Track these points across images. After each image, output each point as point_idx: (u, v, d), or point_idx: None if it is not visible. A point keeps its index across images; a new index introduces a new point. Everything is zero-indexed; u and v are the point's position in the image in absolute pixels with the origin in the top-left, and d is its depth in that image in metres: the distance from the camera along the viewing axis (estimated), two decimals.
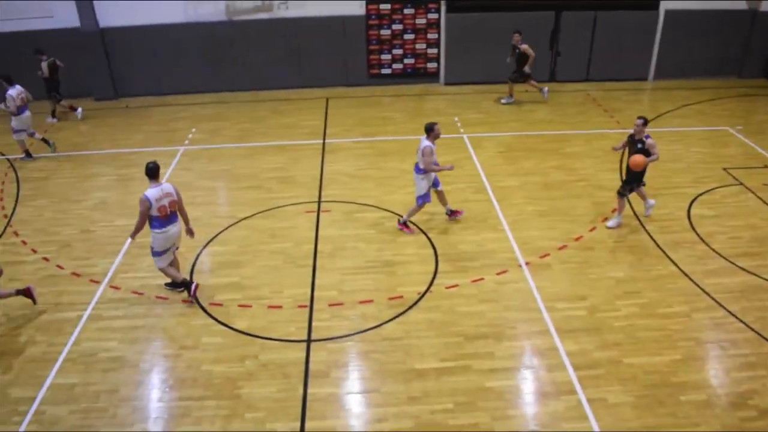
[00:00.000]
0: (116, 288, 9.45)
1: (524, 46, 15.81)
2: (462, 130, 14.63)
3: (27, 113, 13.98)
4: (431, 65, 18.07)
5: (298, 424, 6.90)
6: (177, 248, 9.16)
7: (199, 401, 7.29)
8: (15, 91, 13.71)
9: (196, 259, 10.04)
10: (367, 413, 7.08)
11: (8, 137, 15.55)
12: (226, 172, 13.06)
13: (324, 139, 14.40)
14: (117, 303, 9.10)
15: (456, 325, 8.31)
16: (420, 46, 17.80)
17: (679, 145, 13.77)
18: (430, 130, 10.02)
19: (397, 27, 17.54)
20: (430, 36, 17.68)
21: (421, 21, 17.49)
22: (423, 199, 10.36)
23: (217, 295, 9.10)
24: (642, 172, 10.14)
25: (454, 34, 17.39)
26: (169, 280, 9.27)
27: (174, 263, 9.16)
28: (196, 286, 9.04)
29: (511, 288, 9.05)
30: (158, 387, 7.63)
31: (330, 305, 8.76)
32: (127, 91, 17.90)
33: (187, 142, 14.55)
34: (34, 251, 10.60)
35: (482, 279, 9.23)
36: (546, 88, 16.70)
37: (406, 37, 17.68)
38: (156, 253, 8.84)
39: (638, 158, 9.91)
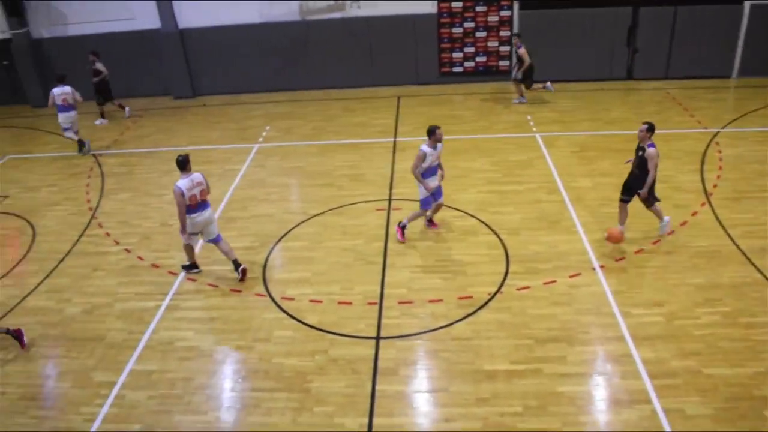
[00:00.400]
0: (193, 280, 9.77)
1: (521, 50, 15.63)
2: (535, 129, 14.40)
3: (71, 113, 14.73)
4: (503, 63, 17.86)
5: (366, 420, 6.96)
6: (219, 238, 9.61)
7: (270, 393, 7.46)
8: (58, 90, 14.49)
9: (269, 254, 10.26)
10: (434, 412, 7.07)
11: (95, 134, 16.36)
12: (299, 169, 13.30)
13: (395, 137, 14.45)
14: (193, 294, 9.42)
15: (527, 327, 8.19)
16: (492, 43, 17.63)
17: (765, 146, 13.13)
18: (431, 134, 9.72)
19: (468, 25, 17.43)
20: (502, 33, 17.48)
21: (493, 18, 17.32)
22: (423, 205, 10.14)
23: (288, 290, 9.27)
24: (641, 180, 9.39)
25: (527, 32, 17.12)
26: (187, 263, 9.88)
27: (224, 250, 9.65)
28: (243, 268, 9.56)
29: (584, 291, 8.85)
30: (231, 377, 7.85)
31: (399, 303, 8.79)
32: (205, 90, 18.47)
33: (261, 139, 14.89)
34: (117, 243, 11.08)
35: (554, 281, 9.06)
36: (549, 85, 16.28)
37: (478, 34, 17.54)
38: (187, 233, 9.43)
39: (614, 233, 9.63)
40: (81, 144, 15.11)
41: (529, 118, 15.15)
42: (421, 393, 7.35)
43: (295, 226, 10.99)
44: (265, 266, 9.94)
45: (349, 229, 10.77)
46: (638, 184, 9.48)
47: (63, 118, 14.70)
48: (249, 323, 8.68)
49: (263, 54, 17.75)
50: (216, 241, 9.61)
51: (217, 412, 7.30)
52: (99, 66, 16.69)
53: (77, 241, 11.32)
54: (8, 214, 12.67)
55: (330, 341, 8.20)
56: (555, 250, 9.81)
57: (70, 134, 14.94)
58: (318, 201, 11.82)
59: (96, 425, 7.29)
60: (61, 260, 10.77)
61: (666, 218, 9.95)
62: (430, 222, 10.70)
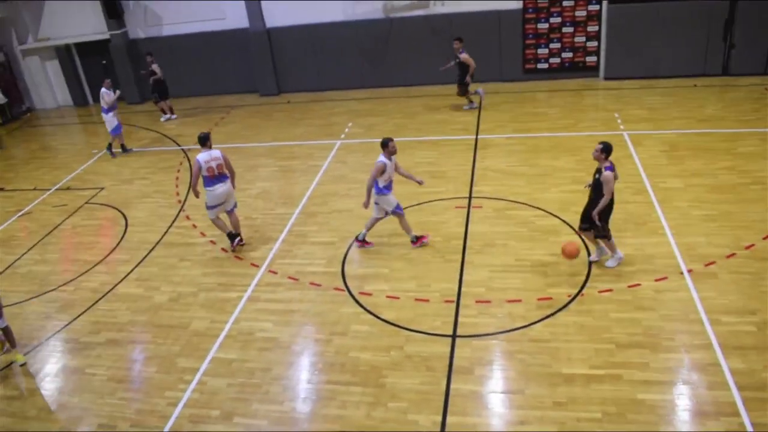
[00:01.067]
0: (274, 273, 10.00)
1: (464, 55, 15.18)
2: (622, 127, 13.91)
3: (110, 116, 15.63)
4: (590, 59, 17.35)
5: (439, 418, 6.92)
6: (235, 207, 10.63)
7: (346, 386, 7.54)
8: (105, 89, 15.49)
9: (348, 249, 10.36)
10: (509, 414, 6.95)
11: (182, 129, 17.04)
12: None
13: (476, 135, 14.30)
14: (274, 287, 9.64)
15: (608, 331, 7.92)
16: (579, 39, 17.15)
17: None
18: (384, 146, 9.55)
19: (555, 20, 17.02)
20: (590, 29, 16.97)
21: (580, 13, 16.85)
22: (398, 209, 9.95)
23: (366, 286, 9.35)
24: (607, 211, 8.65)
25: (616, 26, 16.55)
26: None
27: (232, 221, 10.63)
28: (239, 241, 10.56)
29: (670, 296, 8.47)
30: (308, 369, 7.99)
31: (477, 302, 8.70)
32: (289, 88, 18.87)
33: (343, 135, 15.07)
34: (203, 234, 11.48)
35: (638, 285, 8.72)
36: (474, 104, 16.08)
37: (565, 30, 17.11)
38: (208, 207, 10.41)
39: (568, 248, 8.71)
40: (123, 148, 16.31)
41: (616, 115, 14.64)
42: (496, 394, 7.24)
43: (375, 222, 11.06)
44: (344, 261, 10.05)
45: (428, 226, 10.73)
46: (601, 213, 8.66)
47: (110, 119, 15.75)
48: (327, 317, 8.80)
49: (346, 52, 17.95)
50: (230, 211, 10.63)
51: (294, 403, 7.44)
52: (155, 67, 17.56)
53: (166, 232, 11.81)
54: (104, 205, 13.38)
55: (406, 337, 8.20)
56: (640, 252, 9.43)
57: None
58: (398, 197, 11.76)
59: (178, 409, 7.59)
60: (151, 250, 11.27)
61: (618, 253, 9.10)
62: (418, 238, 10.23)
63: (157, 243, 11.48)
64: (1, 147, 18.11)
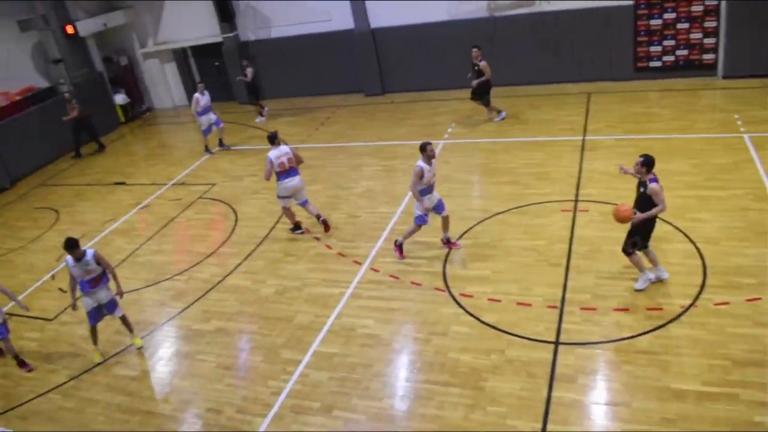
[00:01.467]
0: (376, 270, 10.13)
1: (483, 63, 14.86)
2: (743, 129, 13.06)
3: (203, 118, 16.56)
4: (707, 57, 16.41)
5: (539, 426, 6.79)
6: (306, 202, 11.50)
7: (444, 387, 7.53)
8: (198, 94, 16.46)
9: (450, 249, 10.34)
10: (612, 426, 6.70)
11: (290, 128, 17.55)
12: (483, 166, 13.25)
13: (584, 136, 13.88)
14: (375, 284, 9.77)
15: (723, 347, 7.46)
16: (695, 35, 16.25)
17: None
18: (422, 150, 9.53)
19: (669, 16, 16.21)
20: (707, 24, 16.05)
21: (697, 8, 15.95)
22: (417, 221, 9.90)
23: (467, 287, 9.29)
24: (649, 226, 8.22)
25: (736, 22, 15.55)
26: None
27: (311, 211, 11.57)
28: (303, 230, 11.63)
29: None
30: (407, 367, 8.05)
31: (582, 309, 8.44)
32: (393, 88, 19.02)
33: (446, 135, 15.04)
34: (308, 231, 11.79)
35: (759, 299, 8.16)
36: (504, 113, 15.60)
37: (680, 26, 16.26)
38: (280, 197, 11.37)
39: (622, 210, 8.11)
40: (208, 149, 17.20)
41: (736, 116, 13.77)
42: (599, 405, 7.01)
43: (477, 224, 10.97)
44: (445, 262, 10.03)
45: (531, 229, 10.54)
46: (641, 229, 8.23)
47: (203, 120, 16.65)
48: (427, 316, 8.83)
49: (450, 51, 17.86)
50: (304, 204, 11.51)
51: (392, 400, 7.52)
52: (249, 71, 18.37)
53: (273, 227, 12.22)
54: (215, 200, 14.02)
55: (507, 341, 8.09)
56: (762, 264, 8.83)
57: (208, 134, 16.97)
58: (501, 199, 11.70)
59: (281, 399, 7.85)
60: (259, 244, 11.70)
61: (647, 274, 8.58)
62: (448, 242, 10.36)
63: (265, 238, 11.90)
64: (101, 149, 19.29)
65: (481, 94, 15.44)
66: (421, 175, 9.49)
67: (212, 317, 9.85)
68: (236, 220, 12.85)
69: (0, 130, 17.96)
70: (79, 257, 8.65)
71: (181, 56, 21.87)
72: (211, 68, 21.69)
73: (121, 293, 9.16)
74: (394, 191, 12.68)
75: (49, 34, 20.22)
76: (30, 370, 9.50)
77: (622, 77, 17.04)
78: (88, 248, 8.86)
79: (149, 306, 10.56)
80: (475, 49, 15.12)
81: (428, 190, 9.79)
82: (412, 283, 9.63)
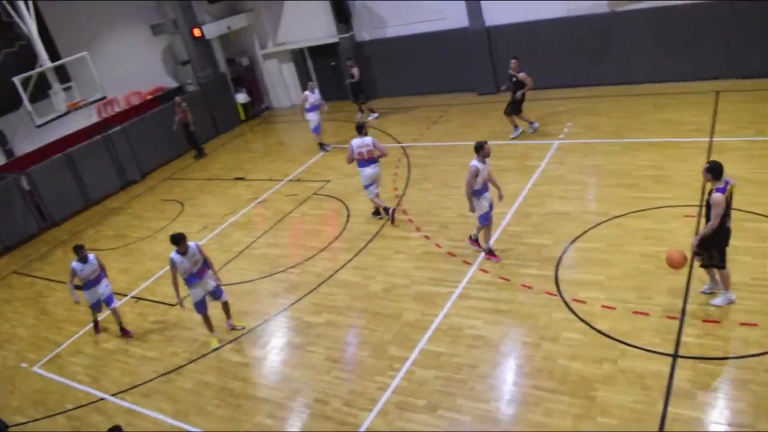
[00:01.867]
0: (485, 272, 10.01)
1: (522, 74, 14.54)
2: None
3: (312, 115, 17.06)
4: None
5: None
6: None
7: (553, 394, 7.33)
8: (308, 91, 17.04)
9: (563, 253, 10.03)
10: None
11: (401, 127, 17.67)
12: (600, 167, 12.75)
13: (711, 137, 13.04)
14: (485, 285, 9.65)
15: None
16: None
17: None
18: (479, 149, 9.65)
19: None
20: None
21: None
22: (483, 221, 10.03)
23: (580, 292, 8.98)
24: (720, 238, 7.67)
25: None
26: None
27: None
28: (392, 211, 12.22)
29: None
30: (515, 371, 7.91)
31: (704, 321, 7.94)
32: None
33: (561, 136, 14.61)
34: (418, 229, 11.84)
35: None
36: (536, 124, 15.28)
37: None
38: (364, 186, 12.27)
39: (674, 259, 7.91)
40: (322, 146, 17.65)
41: None
42: (720, 425, 6.55)
43: (593, 227, 10.58)
44: (558, 265, 9.76)
45: (652, 234, 10.01)
46: (719, 238, 7.70)
47: (312, 117, 17.13)
48: (537, 320, 8.62)
49: (566, 49, 17.32)
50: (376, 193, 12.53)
51: (498, 403, 7.41)
52: (355, 71, 18.73)
53: (384, 225, 12.36)
54: (329, 196, 14.36)
55: (620, 351, 7.75)
56: None
57: (318, 130, 17.45)
58: (618, 202, 11.21)
59: (387, 394, 7.93)
60: (369, 241, 11.87)
61: (730, 294, 8.03)
62: (476, 241, 10.55)
63: (375, 235, 12.06)
64: (202, 155, 20.14)
65: (515, 107, 15.12)
66: (476, 174, 9.61)
67: (323, 310, 10.10)
68: (348, 217, 13.11)
69: (133, 127, 19.27)
70: (185, 251, 9.21)
71: (298, 57, 22.56)
72: (327, 68, 22.24)
73: (219, 281, 9.75)
74: (506, 191, 12.38)
75: (178, 37, 21.52)
76: (130, 336, 10.73)
77: (757, 74, 15.85)
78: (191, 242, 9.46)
79: (264, 297, 10.98)
80: (513, 61, 14.92)
81: (484, 189, 9.91)
82: (523, 285, 9.44)
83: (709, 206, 7.59)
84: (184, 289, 9.56)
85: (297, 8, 21.47)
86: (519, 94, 14.77)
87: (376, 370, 8.44)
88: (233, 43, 23.21)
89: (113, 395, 9.40)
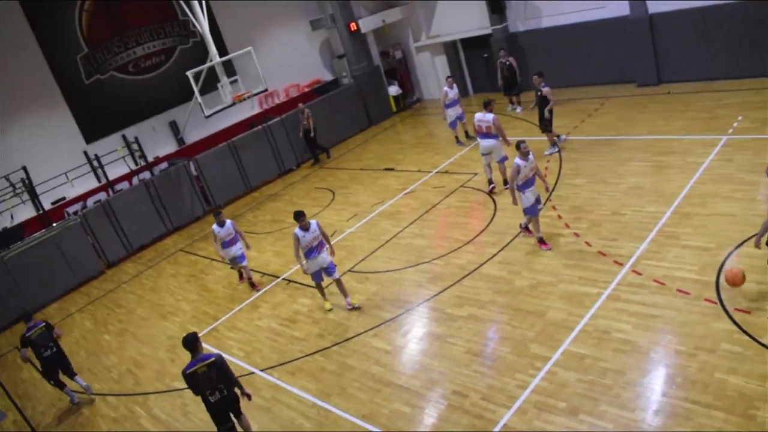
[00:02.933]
0: (638, 273, 9.48)
1: (546, 89, 14.49)
2: None
3: (451, 110, 17.04)
4: None
5: None
6: (504, 160, 13.59)
7: (706, 408, 6.82)
8: (447, 87, 16.87)
9: (727, 257, 9.24)
10: None
11: (554, 120, 17.10)
12: None
13: None
14: (636, 288, 9.15)
15: None
16: None
17: None
18: (517, 148, 10.60)
19: None
20: None
21: None
22: (529, 212, 10.83)
23: (745, 302, 8.25)
24: None
25: None
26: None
27: (501, 170, 13.70)
28: (490, 189, 13.71)
29: None
30: (665, 381, 7.43)
31: None
32: (671, 77, 17.51)
33: (731, 131, 13.45)
34: (567, 226, 11.45)
35: None
36: (563, 137, 15.35)
37: None
38: (482, 155, 13.66)
39: (730, 278, 8.04)
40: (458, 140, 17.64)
41: None
42: None
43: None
44: (720, 271, 9.02)
45: None
46: None
47: (450, 112, 17.11)
48: (693, 329, 8.04)
49: (739, 35, 15.85)
50: (501, 161, 13.55)
51: (645, 413, 7.02)
52: (512, 62, 18.50)
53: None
54: (476, 189, 14.28)
55: None
56: None
57: (455, 125, 17.43)
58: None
59: (526, 393, 7.78)
60: (516, 235, 11.66)
61: None
62: (526, 228, 11.49)
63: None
64: (317, 162, 20.51)
65: (546, 125, 14.74)
66: (518, 171, 10.52)
67: (465, 303, 10.08)
68: (495, 210, 12.96)
69: (290, 118, 20.25)
70: (306, 227, 10.28)
71: (451, 49, 22.55)
72: (479, 60, 22.05)
73: (333, 252, 10.68)
74: (664, 189, 11.71)
75: (335, 31, 22.30)
76: (258, 290, 12.67)
77: None
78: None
79: (408, 286, 11.16)
80: (535, 77, 14.90)
81: (527, 184, 10.66)
82: (679, 290, 8.83)
83: None
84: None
85: (451, 0, 21.45)
86: (547, 112, 14.55)
87: (517, 368, 8.30)
88: (387, 37, 23.67)
89: (262, 370, 10.01)
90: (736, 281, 8.14)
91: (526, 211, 10.88)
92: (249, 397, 7.95)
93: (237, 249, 12.33)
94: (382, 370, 9.13)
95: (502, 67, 18.73)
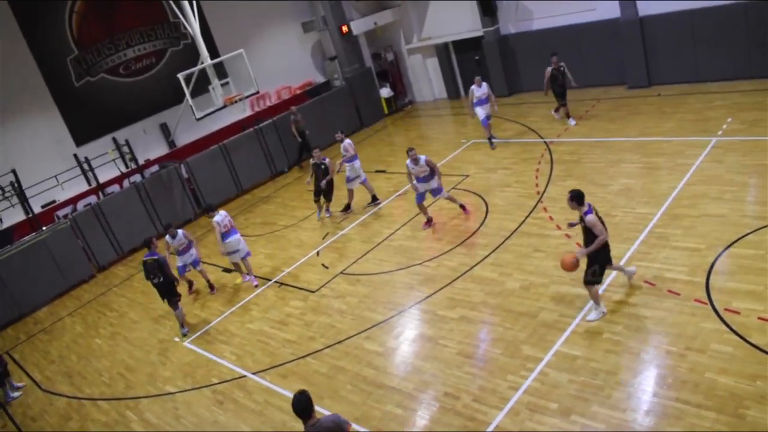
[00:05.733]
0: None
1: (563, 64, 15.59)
2: None
3: (479, 109, 16.46)
4: None
5: None
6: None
7: (696, 408, 6.85)
8: (475, 86, 16.40)
9: (716, 259, 9.32)
10: None
11: (546, 122, 17.20)
12: (763, 167, 11.66)
13: None
14: (628, 290, 9.18)
15: None
16: None
17: None
18: (407, 153, 12.63)
19: None
20: None
21: None
22: (417, 198, 12.92)
23: (734, 302, 8.30)
24: (602, 254, 8.53)
25: None
26: None
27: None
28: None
29: None
30: (656, 381, 7.46)
31: None
32: (661, 79, 17.61)
33: (720, 132, 13.53)
34: (558, 227, 11.49)
35: None
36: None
37: None
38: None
39: (567, 262, 8.52)
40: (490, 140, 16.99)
41: None
42: None
43: (751, 232, 9.71)
44: (709, 272, 9.07)
45: None
46: (601, 256, 8.58)
47: (484, 108, 16.59)
48: (683, 329, 8.08)
49: (729, 38, 15.96)
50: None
51: (636, 414, 7.04)
52: (563, 66, 16.51)
53: (523, 221, 12.12)
54: (467, 191, 14.30)
55: None
56: None
57: (485, 123, 16.77)
58: None
59: (518, 394, 7.80)
60: (507, 237, 11.69)
61: (602, 307, 8.81)
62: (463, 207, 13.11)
63: (514, 231, 11.85)
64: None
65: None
66: (409, 172, 12.60)
67: (457, 305, 10.09)
68: (487, 212, 12.99)
69: (282, 120, 20.21)
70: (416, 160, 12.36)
71: (442, 51, 22.59)
72: (471, 62, 22.10)
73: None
74: (655, 190, 11.77)
75: (326, 33, 22.31)
76: (213, 293, 13.27)
77: None
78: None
79: (399, 288, 11.16)
80: (554, 57, 15.99)
81: (421, 180, 12.65)
82: (669, 291, 8.88)
83: (586, 231, 8.53)
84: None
85: (443, 2, 21.50)
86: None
87: (509, 369, 8.31)
88: (379, 39, 23.69)
89: (254, 373, 9.99)
90: (566, 267, 8.60)
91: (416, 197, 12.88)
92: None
93: (189, 256, 12.91)
94: (374, 372, 9.12)
95: (556, 74, 16.28)
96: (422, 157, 12.67)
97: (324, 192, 14.99)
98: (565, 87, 16.45)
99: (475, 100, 16.49)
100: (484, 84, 16.45)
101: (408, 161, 12.69)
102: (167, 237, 12.86)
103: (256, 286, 12.77)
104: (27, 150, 16.73)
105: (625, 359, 7.87)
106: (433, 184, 12.81)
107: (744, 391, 6.90)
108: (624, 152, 13.98)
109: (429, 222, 13.16)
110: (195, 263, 13.11)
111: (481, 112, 16.56)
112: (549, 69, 16.29)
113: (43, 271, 15.36)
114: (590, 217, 8.29)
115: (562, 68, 16.25)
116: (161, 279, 11.62)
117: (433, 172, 12.69)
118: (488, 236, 11.98)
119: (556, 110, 17.16)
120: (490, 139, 16.84)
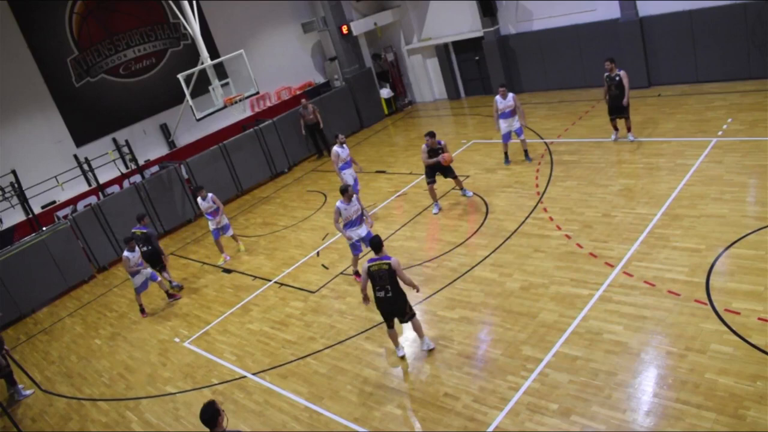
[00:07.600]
0: (629, 275, 9.52)
1: (622, 73, 13.79)
2: None
3: (502, 122, 14.60)
4: None
5: None
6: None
7: (697, 409, 6.85)
8: (499, 96, 14.59)
9: (716, 259, 9.32)
10: None
11: (545, 122, 17.18)
12: (763, 168, 11.67)
13: None
14: (627, 289, 9.19)
15: None
16: None
17: None
18: (343, 193, 11.08)
19: None
20: None
21: None
22: (354, 251, 11.53)
23: (734, 303, 8.30)
24: None
25: None
26: None
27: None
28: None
29: None
30: (656, 382, 7.46)
31: None
32: (660, 80, 17.62)
33: (720, 132, 13.54)
34: (559, 228, 11.48)
35: None
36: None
37: None
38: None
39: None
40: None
41: None
42: None
43: (752, 232, 9.71)
44: (709, 272, 9.07)
45: None
46: None
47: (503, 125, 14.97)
48: (683, 330, 8.08)
49: (732, 38, 15.99)
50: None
51: (636, 414, 7.04)
52: (620, 75, 13.98)
53: (523, 222, 12.12)
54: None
55: None
56: None
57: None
58: None
59: (518, 394, 7.80)
60: (508, 238, 11.69)
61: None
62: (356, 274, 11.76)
63: (514, 232, 11.85)
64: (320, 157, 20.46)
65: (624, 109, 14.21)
66: (339, 213, 11.10)
67: (457, 305, 10.09)
68: (487, 213, 12.98)
69: (283, 121, 20.24)
70: (350, 199, 11.07)
71: (443, 51, 22.59)
72: (471, 63, 22.11)
73: (370, 224, 11.40)
74: (655, 191, 11.77)
75: (326, 34, 22.31)
76: (176, 299, 13.51)
77: None
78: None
79: None
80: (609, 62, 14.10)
81: (351, 224, 11.23)
82: (669, 291, 8.88)
83: None
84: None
85: (443, 3, 21.51)
86: (624, 102, 13.92)
87: (509, 369, 8.31)
88: (379, 39, 23.69)
89: (254, 374, 9.99)
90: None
91: (351, 248, 11.58)
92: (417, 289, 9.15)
93: (147, 271, 13.22)
94: (374, 372, 9.12)
95: (610, 84, 14.02)
96: (511, 94, 14.19)
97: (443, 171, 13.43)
98: (620, 99, 13.95)
99: (499, 113, 14.55)
100: (510, 95, 14.30)
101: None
102: (198, 198, 14.23)
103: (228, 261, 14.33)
104: (27, 150, 16.73)
105: (625, 360, 7.87)
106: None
107: (744, 391, 6.89)
108: (623, 152, 13.99)
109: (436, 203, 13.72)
110: (225, 228, 14.49)
111: (503, 125, 14.59)
112: (605, 76, 14.16)
113: (43, 271, 15.36)
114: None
115: (617, 77, 13.88)
116: (149, 249, 13.34)
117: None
118: (488, 236, 11.98)
119: (614, 127, 14.76)
120: (506, 154, 15.24)
